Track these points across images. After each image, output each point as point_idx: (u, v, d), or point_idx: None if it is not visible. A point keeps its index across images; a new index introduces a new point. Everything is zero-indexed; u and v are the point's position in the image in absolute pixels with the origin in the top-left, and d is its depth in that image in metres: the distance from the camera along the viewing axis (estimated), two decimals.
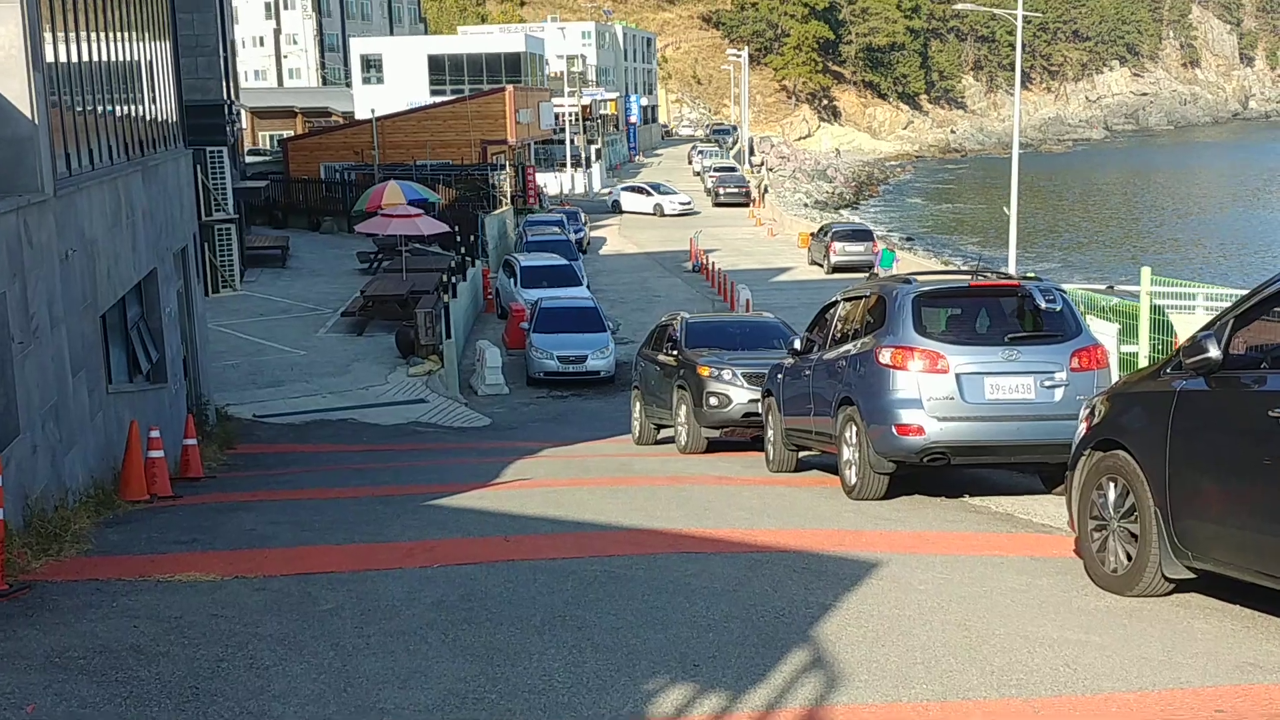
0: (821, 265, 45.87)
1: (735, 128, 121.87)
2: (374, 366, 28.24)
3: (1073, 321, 11.42)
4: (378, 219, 35.24)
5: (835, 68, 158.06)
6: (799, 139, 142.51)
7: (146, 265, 15.95)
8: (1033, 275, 12.22)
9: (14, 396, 9.47)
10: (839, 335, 12.88)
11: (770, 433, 14.81)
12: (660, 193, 64.82)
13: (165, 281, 17.21)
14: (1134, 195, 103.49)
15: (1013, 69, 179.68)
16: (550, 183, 67.54)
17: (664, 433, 20.14)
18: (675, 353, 18.57)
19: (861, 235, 46.09)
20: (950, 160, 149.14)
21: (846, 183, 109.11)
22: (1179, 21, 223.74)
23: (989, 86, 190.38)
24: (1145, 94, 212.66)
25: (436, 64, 70.72)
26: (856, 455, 11.74)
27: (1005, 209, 38.34)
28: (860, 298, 12.62)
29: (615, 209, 64.52)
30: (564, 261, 37.69)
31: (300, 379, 26.76)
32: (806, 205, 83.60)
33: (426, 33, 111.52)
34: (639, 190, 65.07)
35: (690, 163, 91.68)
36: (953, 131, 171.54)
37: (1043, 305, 11.28)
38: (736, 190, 69.43)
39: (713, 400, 17.12)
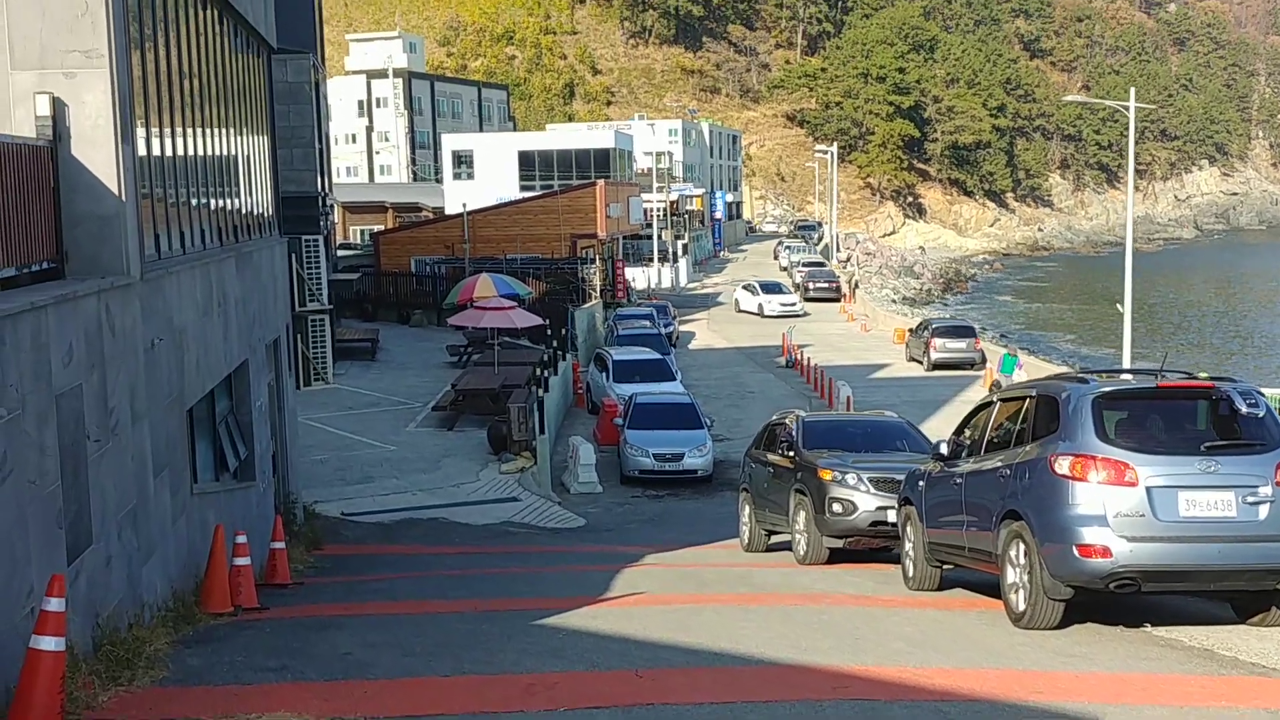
0: (921, 362, 44.31)
1: (820, 224, 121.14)
2: (465, 462, 27.20)
3: (1275, 429, 9.99)
4: (471, 311, 34.51)
5: (920, 165, 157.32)
6: (884, 235, 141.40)
7: (238, 356, 15.05)
8: (1225, 376, 10.80)
9: (87, 501, 8.42)
10: (996, 440, 11.53)
11: (909, 546, 13.41)
12: (765, 291, 62.62)
13: (257, 374, 16.31)
14: (1237, 295, 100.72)
15: (1100, 168, 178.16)
16: (638, 277, 66.87)
17: (775, 538, 18.78)
18: (791, 453, 17.23)
19: (963, 331, 44.49)
20: (1038, 258, 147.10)
21: (934, 279, 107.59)
22: (1268, 121, 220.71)
23: (1076, 185, 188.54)
24: (1235, 193, 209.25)
25: (526, 159, 70.81)
26: (1026, 578, 10.32)
27: (1119, 306, 36.72)
28: (1022, 398, 11.26)
29: (737, 306, 62.78)
30: (657, 356, 36.61)
31: (390, 475, 25.78)
32: (894, 301, 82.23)
33: (515, 130, 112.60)
34: (750, 289, 63.35)
35: (776, 258, 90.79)
36: (1040, 229, 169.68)
37: (1244, 410, 9.87)
38: (826, 285, 68.27)
39: (836, 507, 15.74)
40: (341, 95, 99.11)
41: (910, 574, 13.34)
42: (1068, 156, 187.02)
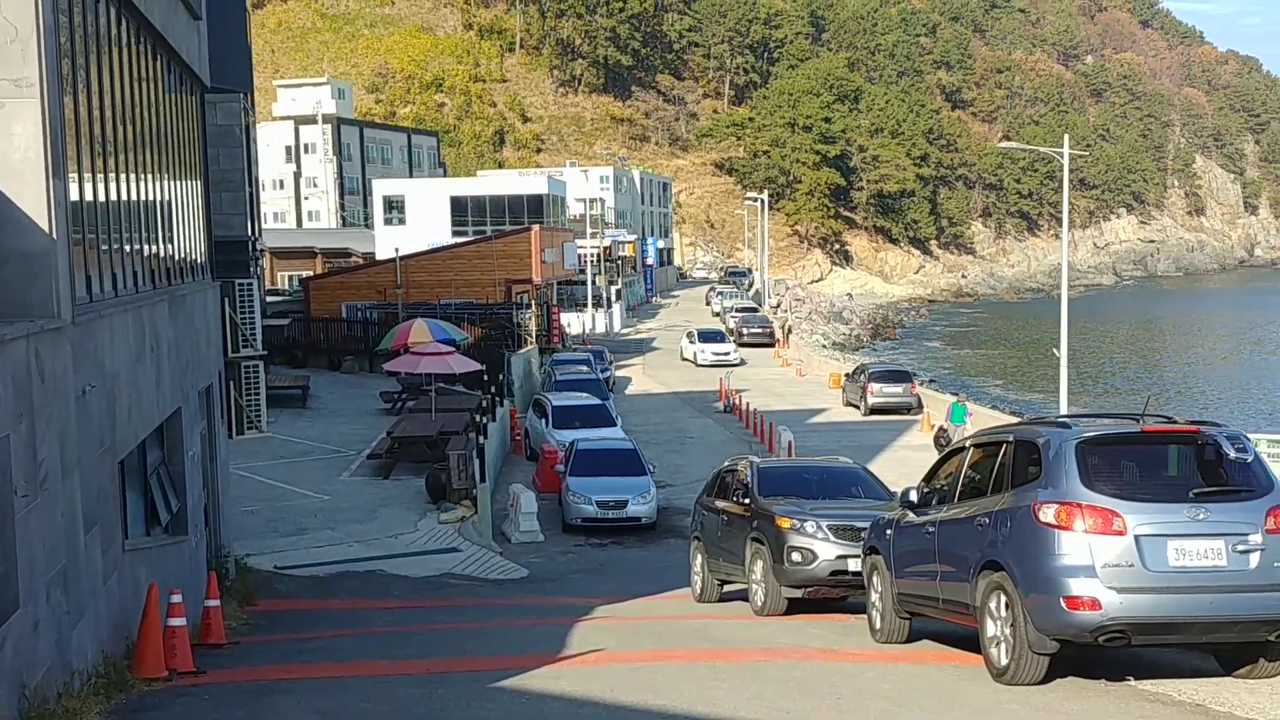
0: (858, 407, 44.18)
1: (750, 270, 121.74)
2: (402, 512, 26.43)
3: (1264, 475, 9.71)
4: (407, 357, 33.78)
5: (847, 213, 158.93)
6: (812, 282, 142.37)
7: (170, 404, 14.33)
8: (1210, 420, 10.52)
9: (14, 562, 7.74)
10: (970, 487, 11.15)
11: (875, 597, 12.96)
12: (701, 340, 60.68)
13: (189, 422, 15.57)
14: (1161, 341, 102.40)
15: (1020, 216, 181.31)
16: (572, 322, 66.41)
17: (728, 588, 18.29)
18: (747, 501, 16.75)
19: (899, 376, 44.50)
20: (963, 304, 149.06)
21: (862, 324, 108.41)
22: (1183, 171, 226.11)
23: (998, 232, 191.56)
24: (1152, 241, 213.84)
25: (459, 205, 70.28)
26: (1009, 631, 9.91)
27: (1054, 351, 36.88)
28: (998, 444, 10.89)
29: (681, 354, 61.17)
30: (597, 401, 36.11)
31: (324, 526, 24.94)
32: (825, 346, 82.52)
33: (445, 176, 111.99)
34: (690, 336, 61.78)
35: (709, 304, 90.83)
36: (964, 276, 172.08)
37: (1232, 455, 9.58)
38: (760, 330, 68.25)
39: (795, 556, 15.28)
40: (269, 141, 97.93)
41: (878, 626, 12.89)
42: (989, 205, 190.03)
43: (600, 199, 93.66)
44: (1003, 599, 10.00)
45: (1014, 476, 10.27)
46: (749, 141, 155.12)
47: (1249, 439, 9.93)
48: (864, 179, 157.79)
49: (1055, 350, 36.65)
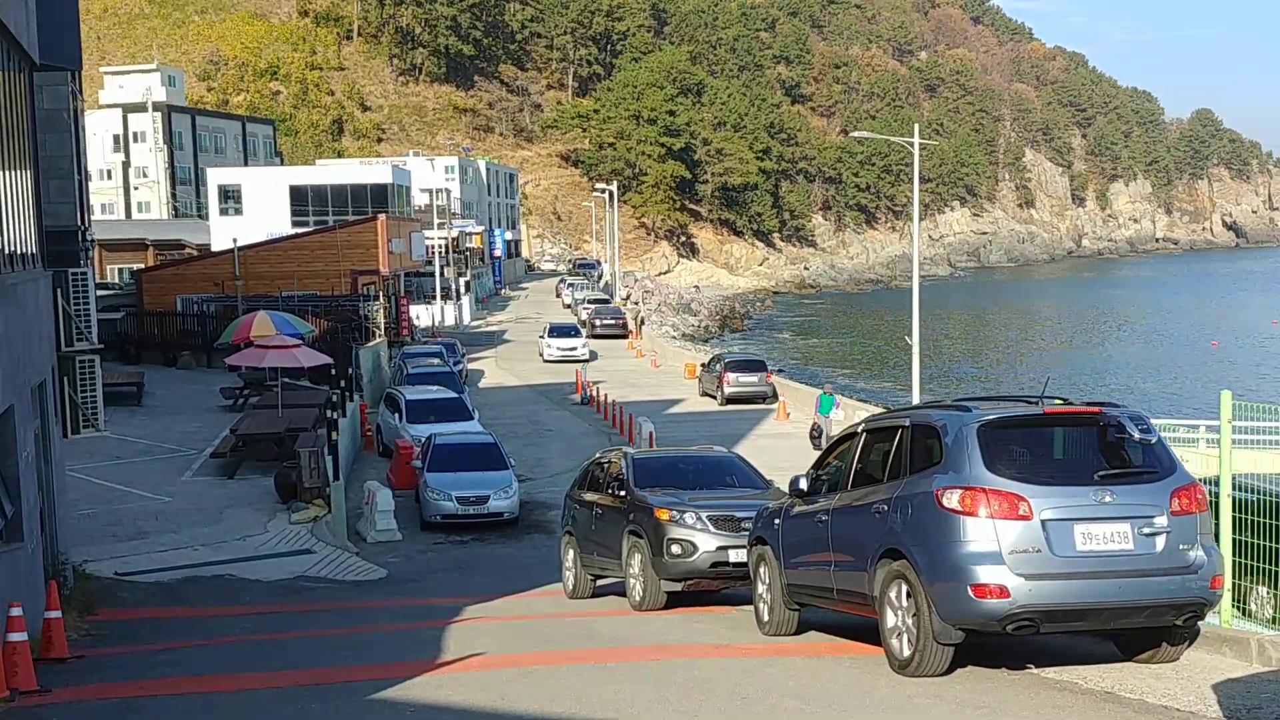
0: (714, 397, 44.13)
1: (599, 262, 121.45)
2: (251, 513, 25.27)
3: (1166, 456, 9.59)
4: (252, 350, 32.39)
5: (692, 206, 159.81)
6: (659, 274, 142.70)
7: (3, 402, 13.20)
8: (1110, 401, 10.37)
9: None
10: (864, 473, 10.85)
11: (763, 589, 12.60)
12: (551, 334, 57.76)
13: (23, 421, 14.41)
14: (1001, 329, 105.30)
15: (859, 209, 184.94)
16: (421, 315, 65.04)
17: (602, 582, 17.81)
18: (622, 493, 16.27)
19: (754, 366, 44.57)
20: (807, 295, 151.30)
21: (711, 316, 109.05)
22: (1014, 164, 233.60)
23: (837, 225, 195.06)
24: (985, 232, 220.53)
25: (299, 194, 68.16)
26: (911, 621, 9.61)
27: (907, 338, 37.31)
28: (892, 428, 10.59)
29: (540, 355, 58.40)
30: (452, 395, 35.22)
31: (167, 529, 23.67)
32: (675, 338, 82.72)
33: (282, 165, 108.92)
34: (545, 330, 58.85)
35: (559, 295, 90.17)
36: (806, 268, 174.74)
37: (1135, 435, 9.43)
38: (614, 322, 67.84)
39: (675, 549, 14.85)
40: (96, 130, 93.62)
41: (765, 618, 12.53)
42: (829, 198, 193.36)
43: (446, 189, 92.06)
44: (904, 588, 9.70)
45: (913, 461, 9.98)
46: (594, 133, 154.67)
47: (1150, 420, 9.80)
48: (708, 172, 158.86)
49: (908, 337, 37.07)
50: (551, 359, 56.00)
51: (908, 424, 10.29)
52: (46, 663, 12.02)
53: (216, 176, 71.59)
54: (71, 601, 16.27)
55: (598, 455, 18.60)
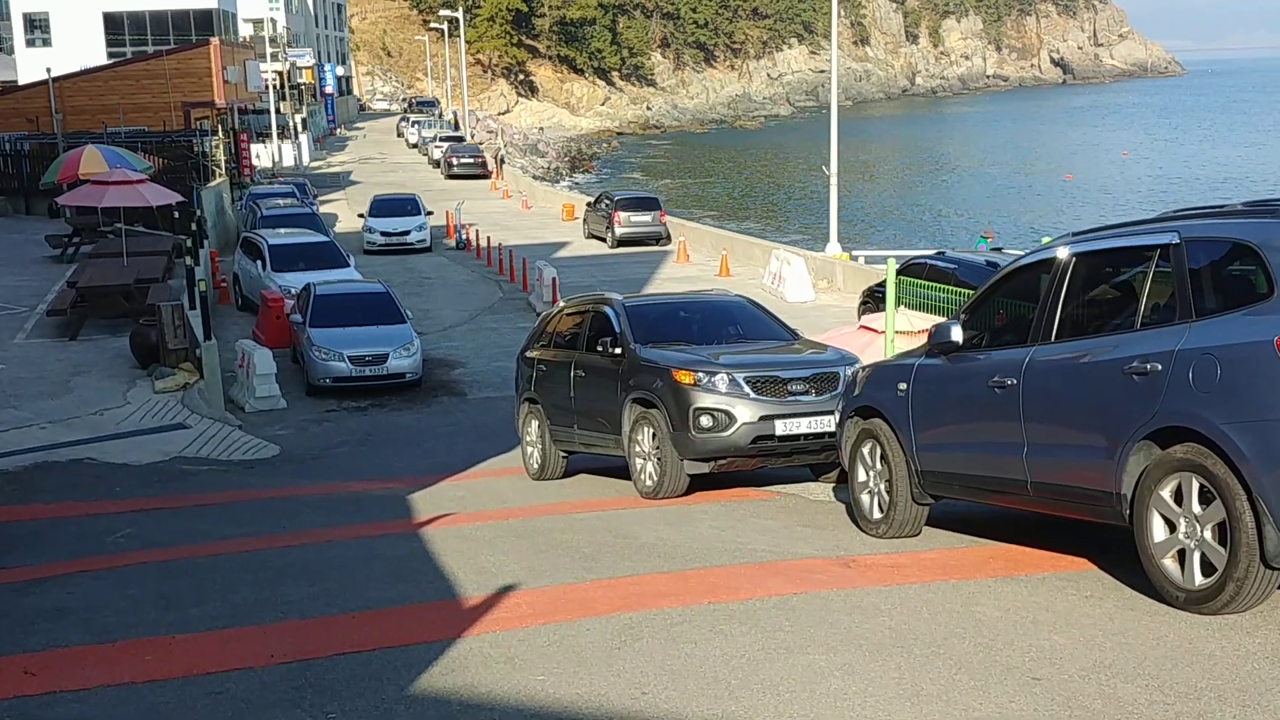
0: (604, 239, 40.44)
1: (437, 101, 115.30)
2: (105, 381, 21.08)
3: None
4: (88, 188, 27.47)
5: (530, 42, 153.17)
6: (499, 114, 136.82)
7: None
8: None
9: None
10: (1078, 319, 7.64)
11: (871, 476, 9.36)
12: (377, 213, 41.16)
13: None
14: (872, 166, 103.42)
15: (698, 46, 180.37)
16: (260, 154, 59.33)
17: (576, 458, 14.51)
18: (617, 351, 12.81)
19: (647, 204, 40.69)
20: (651, 136, 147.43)
21: (559, 157, 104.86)
22: (849, 1, 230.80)
23: (676, 64, 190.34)
24: (823, 71, 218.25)
25: (114, 22, 61.22)
26: (1212, 536, 6.51)
27: (825, 168, 34.20)
28: (1140, 249, 7.36)
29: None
30: (322, 238, 30.94)
31: (5, 404, 19.39)
32: (532, 179, 78.39)
33: None
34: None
35: (400, 135, 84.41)
36: (648, 108, 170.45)
37: None
38: (472, 160, 62.88)
39: (704, 420, 11.55)
40: None
41: (875, 516, 9.33)
42: (668, 35, 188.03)
43: (272, 19, 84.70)
44: (1195, 485, 6.59)
45: (1202, 297, 6.76)
46: None
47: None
48: (545, 5, 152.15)
49: (825, 168, 33.95)
50: (374, 249, 39.77)
51: (1176, 241, 7.03)
52: None
53: (21, 4, 63.95)
54: None
55: (563, 303, 15.07)
